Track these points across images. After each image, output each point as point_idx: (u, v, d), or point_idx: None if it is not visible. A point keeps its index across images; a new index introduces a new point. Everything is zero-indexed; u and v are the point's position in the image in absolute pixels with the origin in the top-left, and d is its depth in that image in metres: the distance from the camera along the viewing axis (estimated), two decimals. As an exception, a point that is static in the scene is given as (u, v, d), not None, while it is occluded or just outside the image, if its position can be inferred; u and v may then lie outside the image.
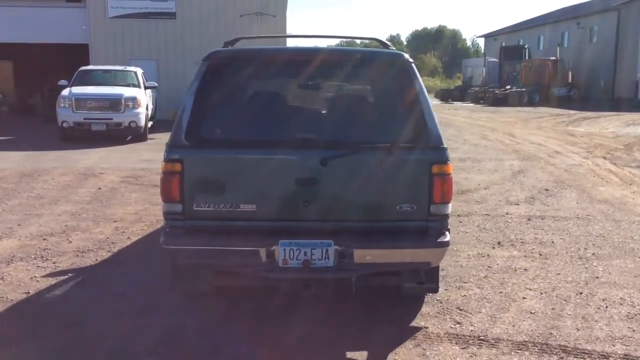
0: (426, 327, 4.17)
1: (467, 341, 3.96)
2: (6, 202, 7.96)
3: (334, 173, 3.75)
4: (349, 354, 3.77)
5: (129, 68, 17.21)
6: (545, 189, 9.40)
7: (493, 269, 5.49)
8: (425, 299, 4.66)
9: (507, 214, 7.73)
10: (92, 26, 22.80)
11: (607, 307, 4.60)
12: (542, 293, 4.88)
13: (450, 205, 3.92)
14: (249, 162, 3.78)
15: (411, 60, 4.01)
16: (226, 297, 4.52)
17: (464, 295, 4.80)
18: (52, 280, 5.00)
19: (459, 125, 22.39)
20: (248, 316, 4.31)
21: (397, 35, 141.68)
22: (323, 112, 4.10)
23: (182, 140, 3.75)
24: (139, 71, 17.01)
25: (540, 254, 5.96)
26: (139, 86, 15.91)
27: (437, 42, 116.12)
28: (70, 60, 21.52)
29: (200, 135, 3.78)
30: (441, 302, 4.64)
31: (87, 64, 20.41)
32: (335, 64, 4.06)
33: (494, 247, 6.20)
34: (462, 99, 41.63)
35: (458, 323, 4.26)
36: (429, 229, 3.86)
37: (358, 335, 4.05)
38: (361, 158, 3.78)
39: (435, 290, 4.47)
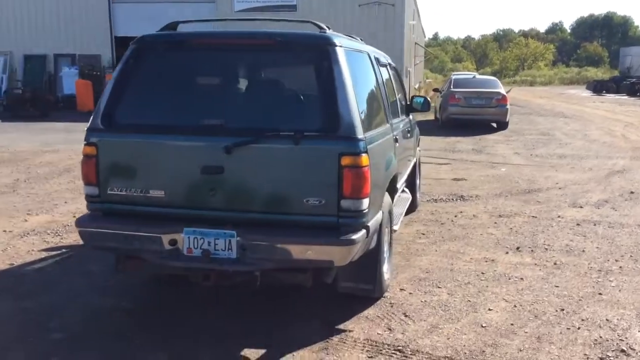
0: (350, 331, 3.88)
1: (380, 350, 3.62)
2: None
3: (240, 161, 3.59)
4: (245, 351, 3.60)
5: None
6: (631, 192, 8.34)
7: (485, 275, 4.98)
8: (380, 301, 4.34)
9: (558, 217, 6.97)
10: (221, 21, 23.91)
11: (579, 328, 3.97)
12: (515, 306, 4.33)
13: (365, 200, 3.58)
14: (156, 147, 3.73)
15: (335, 43, 3.70)
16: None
17: (424, 301, 4.40)
18: (43, 254, 5.34)
19: (590, 119, 20.60)
20: (164, 303, 4.30)
21: (560, 22, 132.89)
22: (236, 98, 3.94)
23: (99, 124, 3.80)
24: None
25: (555, 263, 5.29)
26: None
27: (604, 30, 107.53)
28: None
29: (115, 120, 3.80)
30: (392, 305, 4.29)
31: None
32: (253, 48, 3.88)
33: (507, 252, 5.61)
34: (617, 90, 38.17)
35: (389, 329, 3.91)
36: (341, 226, 3.56)
37: (267, 332, 3.86)
38: (266, 146, 3.57)
39: (370, 291, 4.15)
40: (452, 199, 7.94)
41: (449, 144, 14.07)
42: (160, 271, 4.04)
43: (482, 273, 5.03)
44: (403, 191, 6.55)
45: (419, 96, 6.48)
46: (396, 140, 4.76)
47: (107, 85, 3.89)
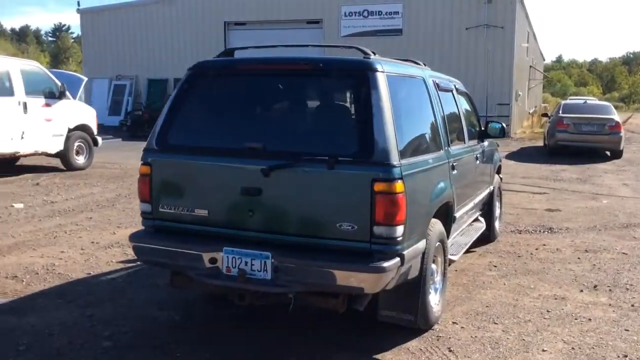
0: (382, 361, 3.80)
1: (411, 384, 3.52)
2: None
3: (277, 184, 3.65)
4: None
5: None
6: None
7: (550, 313, 4.68)
8: (426, 334, 4.20)
9: (653, 254, 6.42)
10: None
11: (639, 378, 3.63)
12: (573, 348, 4.04)
13: (400, 227, 3.51)
14: (202, 168, 3.88)
15: (375, 69, 3.68)
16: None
17: (474, 337, 4.21)
18: (119, 266, 5.68)
19: None
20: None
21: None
22: (277, 122, 4.00)
23: (153, 144, 4.03)
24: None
25: (633, 305, 4.88)
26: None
27: None
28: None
29: (167, 141, 4.00)
30: (438, 339, 4.14)
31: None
32: (295, 73, 3.93)
33: (581, 290, 5.25)
34: None
35: (428, 357, 3.78)
36: (374, 252, 3.52)
37: (303, 355, 3.85)
38: (301, 170, 3.61)
39: (411, 322, 4.03)
40: (539, 231, 7.54)
41: (552, 172, 13.40)
42: (202, 288, 4.15)
43: (548, 311, 4.74)
44: (476, 220, 6.35)
45: (495, 122, 6.27)
46: (453, 168, 4.62)
47: (164, 108, 4.12)
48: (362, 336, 4.14)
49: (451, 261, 4.93)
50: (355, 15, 24.28)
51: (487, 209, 6.63)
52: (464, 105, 5.76)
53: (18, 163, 12.56)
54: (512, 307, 4.81)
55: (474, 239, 5.78)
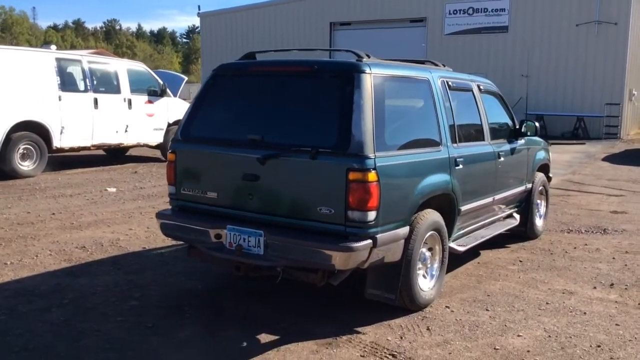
0: (364, 333, 4.19)
1: (375, 352, 3.89)
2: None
3: (271, 171, 4.20)
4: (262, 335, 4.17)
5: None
6: None
7: (548, 305, 4.84)
8: (414, 314, 4.56)
9: (699, 259, 6.25)
10: (430, 43, 24.52)
11: (597, 365, 3.79)
12: (550, 336, 4.22)
13: (371, 213, 3.93)
14: (212, 156, 4.52)
15: (362, 70, 4.10)
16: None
17: (458, 319, 4.50)
18: (172, 243, 6.42)
19: None
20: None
21: None
22: (275, 117, 4.49)
23: (178, 136, 4.72)
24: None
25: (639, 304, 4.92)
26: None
27: None
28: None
29: (189, 133, 4.68)
30: (423, 319, 4.48)
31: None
32: (294, 74, 4.44)
33: (594, 287, 5.32)
34: None
35: (401, 338, 4.13)
36: (348, 235, 3.96)
37: (293, 325, 4.35)
38: (290, 159, 4.12)
39: (392, 300, 4.41)
40: (591, 232, 7.49)
41: (645, 176, 12.81)
42: (209, 260, 4.74)
43: (547, 303, 4.90)
44: (510, 216, 6.52)
45: (530, 121, 6.39)
46: (457, 164, 4.91)
47: (191, 104, 4.80)
48: (351, 312, 4.57)
49: (457, 251, 5.22)
50: (460, 12, 24.15)
51: (524, 207, 6.75)
52: (490, 104, 5.96)
53: (127, 154, 14.04)
54: (512, 298, 5.01)
55: (496, 233, 5.98)
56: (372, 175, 3.91)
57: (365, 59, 4.33)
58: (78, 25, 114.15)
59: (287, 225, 4.18)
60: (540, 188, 7.09)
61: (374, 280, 4.45)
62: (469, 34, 23.69)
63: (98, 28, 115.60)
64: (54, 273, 5.35)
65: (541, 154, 7.10)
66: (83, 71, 11.52)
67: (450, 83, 5.18)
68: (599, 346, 4.08)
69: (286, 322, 4.37)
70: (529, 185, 6.72)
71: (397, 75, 4.55)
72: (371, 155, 3.94)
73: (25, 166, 10.65)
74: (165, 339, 4.05)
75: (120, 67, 12.41)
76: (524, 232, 6.84)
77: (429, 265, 4.76)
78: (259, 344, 4.00)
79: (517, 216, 6.64)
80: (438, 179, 4.67)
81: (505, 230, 6.36)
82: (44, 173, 11.00)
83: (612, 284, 5.41)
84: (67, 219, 7.50)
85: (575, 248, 6.67)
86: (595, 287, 5.33)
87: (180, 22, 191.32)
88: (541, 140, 7.35)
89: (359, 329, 4.27)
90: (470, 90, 5.60)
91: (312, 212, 4.06)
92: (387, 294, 4.42)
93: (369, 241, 3.96)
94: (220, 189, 4.49)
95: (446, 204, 4.92)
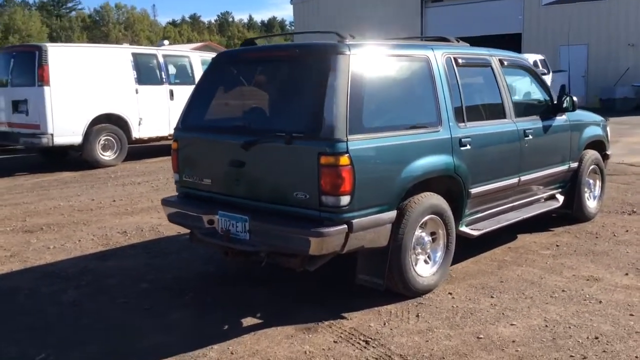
0: (347, 319, 4.14)
1: (350, 338, 3.84)
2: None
3: (255, 157, 4.25)
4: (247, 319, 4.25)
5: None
6: None
7: (563, 293, 4.53)
8: (411, 300, 4.44)
9: None
10: (527, 15, 23.29)
11: (584, 358, 3.51)
12: (547, 326, 3.96)
13: (345, 197, 3.86)
14: (206, 143, 4.63)
15: (341, 52, 4.00)
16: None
17: (455, 307, 4.32)
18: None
19: None
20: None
21: None
22: (259, 103, 4.47)
23: (179, 125, 4.88)
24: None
25: (670, 292, 4.48)
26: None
27: None
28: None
29: (188, 121, 4.82)
30: (417, 305, 4.34)
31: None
32: (278, 59, 4.41)
33: (626, 274, 4.91)
34: None
35: (384, 324, 4.05)
36: (323, 219, 3.93)
37: (281, 309, 4.40)
38: (269, 145, 4.13)
39: (380, 286, 4.30)
40: (657, 213, 6.88)
41: None
42: (205, 244, 4.83)
43: (563, 291, 4.59)
44: (552, 198, 6.16)
45: (567, 95, 5.94)
46: (462, 144, 4.69)
47: (191, 93, 4.94)
48: (346, 298, 4.52)
49: (471, 236, 5.00)
50: (559, -20, 22.73)
51: (569, 187, 6.31)
52: (516, 80, 5.62)
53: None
54: (527, 284, 4.74)
55: (527, 216, 5.64)
56: (344, 159, 3.84)
57: (348, 40, 4.24)
58: (194, 19, 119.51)
59: (269, 211, 4.21)
60: (593, 167, 6.58)
61: (364, 266, 4.38)
62: (569, 3, 22.22)
63: (213, 21, 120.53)
64: (87, 257, 5.73)
65: (592, 130, 6.58)
66: (158, 64, 12.12)
67: (459, 60, 4.93)
68: (596, 338, 3.78)
69: (277, 308, 4.41)
70: (574, 165, 6.26)
71: (385, 55, 4.41)
72: (343, 139, 3.86)
73: (107, 156, 11.41)
74: (155, 321, 4.24)
75: (195, 58, 12.91)
76: (570, 214, 6.40)
77: (429, 250, 4.61)
78: (239, 327, 4.08)
79: (560, 197, 6.23)
80: (434, 160, 4.49)
81: (548, 213, 6.00)
82: (125, 162, 11.72)
83: (637, 269, 4.96)
84: (124, 205, 7.98)
85: (627, 231, 6.16)
86: (627, 274, 4.91)
87: (291, 10, 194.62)
88: (594, 115, 6.82)
89: (346, 315, 4.23)
90: (489, 65, 5.30)
91: (290, 197, 4.07)
92: (375, 279, 4.34)
93: (344, 226, 3.90)
94: (213, 175, 4.60)
95: (453, 186, 4.73)
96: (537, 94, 5.92)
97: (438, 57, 4.75)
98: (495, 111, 5.26)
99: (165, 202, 4.92)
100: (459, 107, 4.78)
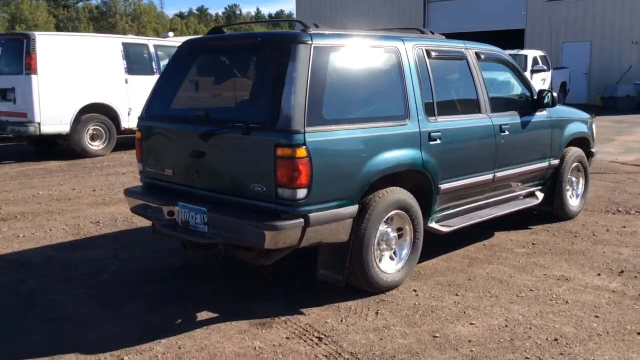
0: (304, 314, 4.04)
1: (303, 335, 3.73)
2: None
3: (214, 148, 4.14)
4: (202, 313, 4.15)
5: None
6: None
7: (530, 293, 4.42)
8: (373, 297, 4.33)
9: None
10: (530, 11, 23.05)
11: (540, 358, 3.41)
12: (507, 326, 3.85)
13: (301, 190, 3.75)
14: (167, 133, 4.53)
15: (301, 41, 3.87)
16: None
17: (417, 304, 4.21)
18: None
19: None
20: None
21: None
22: (220, 92, 4.36)
23: (143, 113, 4.78)
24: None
25: (640, 294, 4.36)
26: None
27: None
28: (505, 46, 22.46)
29: (151, 110, 4.71)
30: (378, 302, 4.23)
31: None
32: (242, 47, 4.29)
33: (599, 274, 4.79)
34: None
35: (341, 321, 3.95)
36: (280, 213, 3.83)
37: (241, 307, 4.30)
38: (227, 136, 4.02)
39: (340, 282, 4.20)
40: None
41: None
42: (166, 236, 4.74)
43: (530, 290, 4.48)
44: (532, 195, 6.04)
45: (548, 91, 5.80)
46: (431, 138, 4.57)
47: (156, 81, 4.84)
48: (304, 292, 4.41)
49: (440, 232, 4.89)
50: (563, -24, 22.49)
51: (550, 184, 6.18)
52: (493, 74, 5.48)
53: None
54: (495, 283, 4.62)
55: (501, 214, 5.51)
56: (301, 151, 3.73)
57: (312, 29, 4.13)
58: (202, 12, 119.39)
59: (228, 203, 4.11)
60: (575, 164, 6.44)
61: (324, 261, 4.27)
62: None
63: (220, 14, 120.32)
64: (54, 246, 5.65)
65: (575, 127, 6.44)
66: (149, 54, 12.01)
67: (431, 52, 4.81)
68: (556, 339, 3.67)
69: (236, 302, 4.30)
70: (555, 161, 6.13)
71: (351, 45, 4.29)
72: (301, 131, 3.75)
73: (95, 146, 11.32)
74: (109, 312, 4.15)
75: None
76: (551, 212, 6.27)
77: (394, 247, 4.50)
78: (192, 322, 3.98)
79: (540, 195, 6.10)
80: (401, 155, 4.37)
81: (529, 210, 5.90)
82: (114, 152, 11.64)
83: (622, 271, 4.84)
84: (103, 195, 7.90)
85: (607, 231, 6.03)
86: (599, 274, 4.79)
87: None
88: (578, 111, 6.69)
89: (305, 311, 4.13)
90: (463, 58, 5.17)
91: (248, 189, 3.96)
92: (335, 275, 4.23)
93: (300, 220, 3.79)
94: (175, 166, 4.49)
95: (423, 182, 4.62)
96: (515, 89, 5.79)
97: (409, 48, 4.63)
98: (469, 105, 5.13)
99: (128, 192, 4.82)
100: (430, 100, 4.65)
